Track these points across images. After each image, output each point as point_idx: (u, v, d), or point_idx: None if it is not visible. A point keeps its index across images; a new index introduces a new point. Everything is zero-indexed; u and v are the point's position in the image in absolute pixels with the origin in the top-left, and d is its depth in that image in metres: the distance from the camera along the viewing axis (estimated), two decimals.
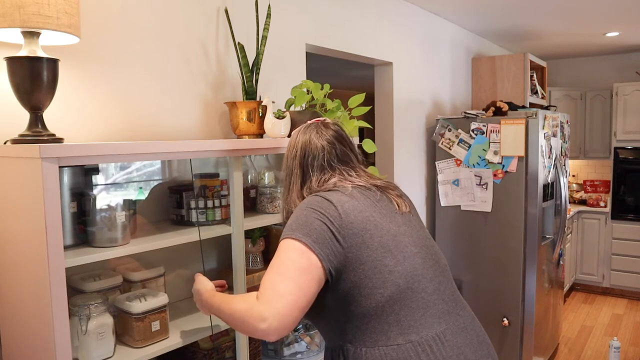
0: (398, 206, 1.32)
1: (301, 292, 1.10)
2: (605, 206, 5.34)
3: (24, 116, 1.38)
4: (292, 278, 1.11)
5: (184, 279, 1.93)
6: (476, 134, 3.37)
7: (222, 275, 1.95)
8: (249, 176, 2.09)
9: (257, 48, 2.02)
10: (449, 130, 3.49)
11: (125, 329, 1.49)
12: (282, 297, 1.08)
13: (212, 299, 1.30)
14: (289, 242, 1.18)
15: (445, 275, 1.29)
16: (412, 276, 1.20)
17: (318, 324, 1.29)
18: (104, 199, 1.47)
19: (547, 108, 4.44)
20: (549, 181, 3.45)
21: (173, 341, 1.53)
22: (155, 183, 1.84)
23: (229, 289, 1.62)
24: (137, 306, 1.47)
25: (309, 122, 1.46)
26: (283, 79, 2.41)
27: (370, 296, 1.16)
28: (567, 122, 3.93)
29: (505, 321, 3.36)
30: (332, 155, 1.37)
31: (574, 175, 5.92)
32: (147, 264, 1.71)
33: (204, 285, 1.41)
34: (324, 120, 1.47)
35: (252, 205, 2.01)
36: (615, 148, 5.12)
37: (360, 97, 1.97)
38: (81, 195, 1.42)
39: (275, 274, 1.12)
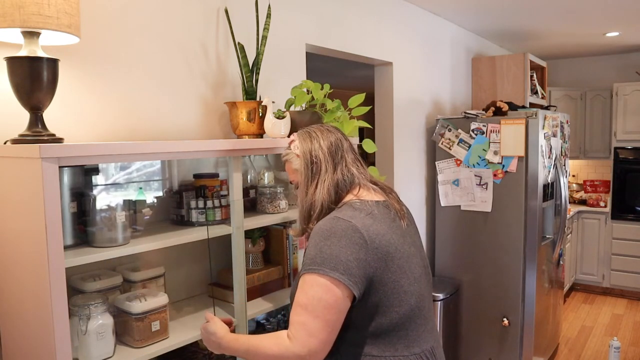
0: (404, 223, 1.36)
1: (330, 327, 1.18)
2: (605, 206, 5.34)
3: (24, 116, 1.38)
4: (320, 316, 1.17)
5: (185, 279, 1.93)
6: (476, 134, 3.37)
7: (222, 275, 1.95)
8: (249, 176, 2.09)
9: (257, 48, 2.02)
10: (449, 130, 3.49)
11: (125, 329, 1.50)
12: (313, 337, 1.16)
13: (236, 342, 1.28)
14: (314, 278, 1.19)
15: (431, 294, 1.40)
16: (419, 295, 1.30)
17: None
18: (104, 199, 1.47)
19: (547, 108, 4.44)
20: (549, 181, 3.45)
21: (173, 341, 1.54)
22: (156, 183, 1.84)
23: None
24: (137, 306, 1.47)
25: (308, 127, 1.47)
26: (283, 79, 2.41)
27: (387, 314, 1.24)
28: (567, 122, 3.93)
29: (505, 321, 3.36)
30: (349, 146, 1.43)
31: (574, 175, 5.92)
32: (147, 264, 1.71)
33: (219, 327, 1.35)
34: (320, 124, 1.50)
35: (252, 205, 2.01)
36: (615, 148, 5.12)
37: (360, 97, 1.97)
38: (81, 195, 1.42)
39: (304, 314, 1.17)
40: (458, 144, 3.45)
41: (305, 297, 1.19)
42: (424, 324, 1.31)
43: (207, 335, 1.36)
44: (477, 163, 3.37)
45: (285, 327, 2.13)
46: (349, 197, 1.34)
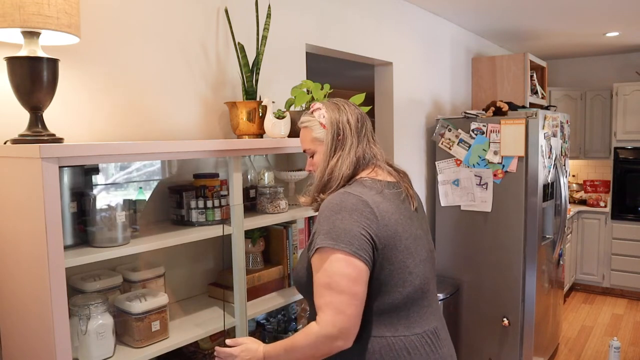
0: (413, 206, 1.36)
1: (356, 300, 1.17)
2: (605, 206, 5.34)
3: (24, 116, 1.38)
4: (344, 291, 1.16)
5: (185, 279, 1.93)
6: (476, 134, 3.36)
7: (223, 275, 1.95)
8: (249, 176, 2.09)
9: (257, 48, 2.02)
10: (449, 130, 3.49)
11: (125, 329, 1.49)
12: (341, 313, 1.15)
13: (275, 348, 1.26)
14: (332, 254, 1.19)
15: (435, 277, 1.41)
16: (424, 278, 1.30)
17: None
18: (104, 198, 1.47)
19: (547, 108, 4.44)
20: (549, 181, 3.45)
21: (173, 341, 1.54)
22: (155, 183, 1.84)
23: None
24: (137, 306, 1.47)
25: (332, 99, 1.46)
26: (283, 79, 2.41)
27: (391, 293, 1.24)
28: (567, 122, 3.93)
29: (505, 321, 3.36)
30: (371, 125, 1.43)
31: (574, 175, 5.92)
32: (147, 264, 1.71)
33: (252, 341, 1.31)
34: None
35: (252, 205, 2.01)
36: (615, 148, 5.12)
37: (360, 97, 1.97)
38: (81, 195, 1.42)
39: (328, 293, 1.17)
40: (458, 144, 3.45)
41: (326, 276, 1.18)
42: (427, 305, 1.30)
43: (245, 353, 1.28)
44: (477, 163, 3.37)
45: (286, 327, 2.14)
46: (362, 175, 1.34)
